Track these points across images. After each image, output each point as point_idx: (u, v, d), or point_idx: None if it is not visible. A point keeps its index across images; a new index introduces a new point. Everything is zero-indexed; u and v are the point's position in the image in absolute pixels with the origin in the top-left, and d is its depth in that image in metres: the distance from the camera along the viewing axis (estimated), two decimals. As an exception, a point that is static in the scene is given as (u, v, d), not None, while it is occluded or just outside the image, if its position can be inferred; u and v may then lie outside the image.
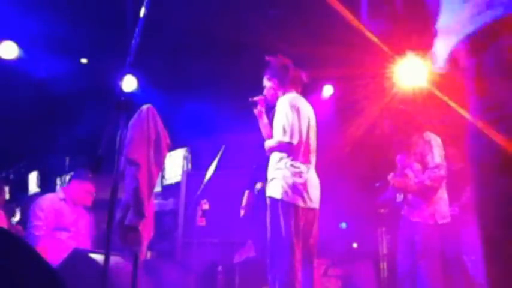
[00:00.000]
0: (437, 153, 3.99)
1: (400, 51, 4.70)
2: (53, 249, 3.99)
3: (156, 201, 8.02)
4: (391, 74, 5.05)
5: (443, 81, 4.74)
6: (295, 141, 3.14)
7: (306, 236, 3.16)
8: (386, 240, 5.00)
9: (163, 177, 7.68)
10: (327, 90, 6.28)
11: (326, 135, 3.67)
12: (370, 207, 5.21)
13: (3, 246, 1.96)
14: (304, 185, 3.15)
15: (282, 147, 3.17)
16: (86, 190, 4.39)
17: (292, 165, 3.16)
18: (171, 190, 7.32)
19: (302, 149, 3.22)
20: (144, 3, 2.07)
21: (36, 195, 7.97)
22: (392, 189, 4.12)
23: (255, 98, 3.43)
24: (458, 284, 4.41)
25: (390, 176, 4.05)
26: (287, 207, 3.08)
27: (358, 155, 5.86)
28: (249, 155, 4.77)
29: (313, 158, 3.32)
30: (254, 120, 3.57)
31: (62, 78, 5.82)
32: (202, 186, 4.40)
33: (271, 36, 5.16)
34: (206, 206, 4.56)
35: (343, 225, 6.35)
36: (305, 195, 3.14)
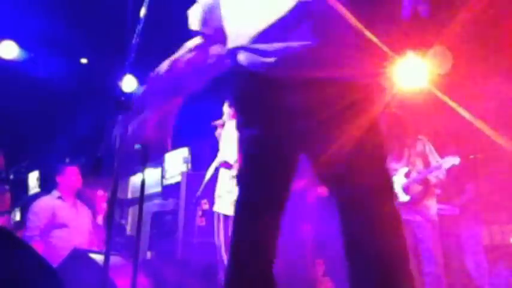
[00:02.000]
0: (436, 154, 4.02)
1: (400, 51, 4.70)
2: (51, 248, 4.04)
3: (156, 201, 8.03)
4: (391, 74, 5.05)
5: (443, 82, 4.74)
6: (231, 160, 3.56)
7: None
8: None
9: (163, 177, 7.68)
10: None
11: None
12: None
13: (3, 246, 1.96)
14: None
15: (221, 165, 3.63)
16: (71, 175, 4.49)
17: (233, 183, 3.57)
18: (171, 190, 7.31)
19: None
20: (144, 3, 2.07)
21: (36, 195, 7.97)
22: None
23: (216, 122, 3.88)
24: (459, 284, 4.40)
25: (416, 169, 4.03)
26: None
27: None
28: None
29: None
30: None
31: (62, 78, 5.81)
32: (202, 186, 4.40)
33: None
34: (206, 206, 4.56)
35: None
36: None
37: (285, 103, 1.49)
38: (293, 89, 1.48)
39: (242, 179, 1.61)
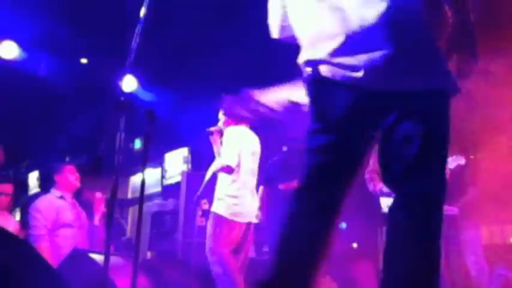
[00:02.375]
0: None
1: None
2: (56, 247, 4.01)
3: (156, 201, 8.03)
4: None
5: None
6: (233, 164, 3.61)
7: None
8: (387, 240, 5.00)
9: (163, 177, 7.68)
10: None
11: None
12: (370, 207, 5.20)
13: (3, 246, 1.96)
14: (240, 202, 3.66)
15: (222, 169, 3.65)
16: (69, 174, 4.45)
17: (234, 187, 3.65)
18: (171, 190, 7.31)
19: (243, 172, 3.68)
20: (144, 3, 2.07)
21: (36, 195, 7.97)
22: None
23: (211, 129, 3.93)
24: (459, 284, 4.40)
25: None
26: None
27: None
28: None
29: (253, 180, 3.81)
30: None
31: (62, 78, 5.82)
32: (202, 186, 4.40)
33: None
34: (206, 206, 4.56)
35: (343, 225, 6.34)
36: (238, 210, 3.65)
37: (369, 111, 1.53)
38: (380, 98, 1.50)
39: (308, 184, 1.60)
